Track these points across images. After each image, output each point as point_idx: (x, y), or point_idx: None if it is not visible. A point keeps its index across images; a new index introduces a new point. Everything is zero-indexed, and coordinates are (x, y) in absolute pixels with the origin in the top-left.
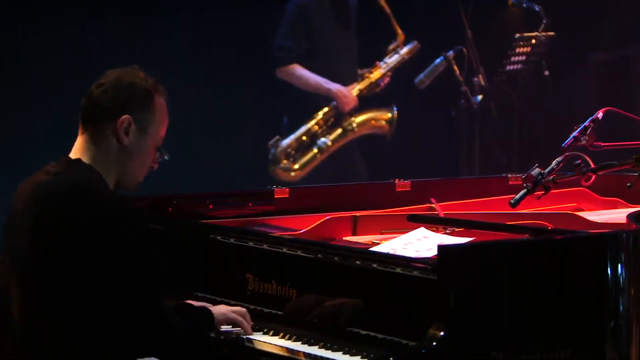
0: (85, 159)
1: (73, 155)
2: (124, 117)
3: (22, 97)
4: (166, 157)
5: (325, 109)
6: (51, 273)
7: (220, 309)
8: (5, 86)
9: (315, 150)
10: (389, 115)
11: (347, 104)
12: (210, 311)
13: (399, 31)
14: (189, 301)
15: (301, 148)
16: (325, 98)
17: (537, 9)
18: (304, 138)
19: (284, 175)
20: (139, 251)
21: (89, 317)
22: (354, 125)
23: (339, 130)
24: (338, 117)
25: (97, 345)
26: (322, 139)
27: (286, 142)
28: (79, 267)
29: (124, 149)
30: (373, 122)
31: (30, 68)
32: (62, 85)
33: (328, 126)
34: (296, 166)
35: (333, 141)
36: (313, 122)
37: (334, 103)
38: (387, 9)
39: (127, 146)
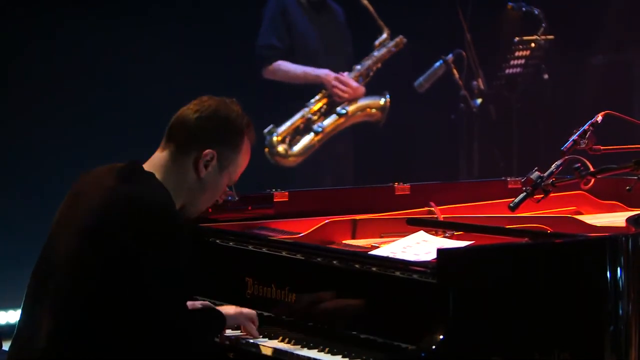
0: (159, 176)
1: (148, 167)
2: (209, 150)
3: (21, 97)
4: (235, 198)
5: (318, 96)
6: (97, 273)
7: (232, 313)
8: (5, 86)
9: (313, 135)
10: (381, 102)
11: (336, 86)
12: (221, 314)
13: (384, 27)
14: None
15: (297, 134)
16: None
17: (536, 12)
18: (300, 124)
19: (282, 161)
20: (184, 272)
21: (118, 326)
22: (348, 110)
23: (334, 116)
24: (332, 104)
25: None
26: (318, 123)
27: (281, 129)
28: (123, 276)
29: (199, 181)
30: (366, 109)
31: (30, 68)
32: (61, 85)
33: (322, 113)
34: (294, 151)
35: (329, 125)
36: (307, 109)
37: (324, 90)
38: (370, 7)
39: (202, 179)
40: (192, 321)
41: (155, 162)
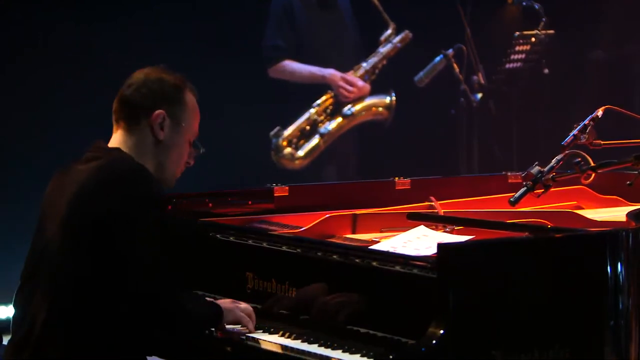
0: (124, 150)
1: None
2: (158, 111)
3: (21, 98)
4: (202, 151)
5: (324, 97)
6: (85, 248)
7: (229, 306)
8: (4, 86)
9: (318, 137)
10: (387, 101)
11: (342, 86)
12: (219, 306)
13: (390, 21)
14: None
15: (303, 136)
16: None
17: (536, 7)
18: (306, 126)
19: (289, 164)
20: (161, 236)
21: (110, 300)
22: (353, 111)
23: (339, 117)
24: (337, 105)
25: (114, 329)
26: (324, 126)
27: (288, 131)
28: (108, 243)
29: (160, 144)
30: (372, 108)
31: (30, 69)
32: (61, 86)
33: (328, 114)
34: (300, 154)
35: (335, 128)
36: (313, 110)
37: (330, 90)
38: (376, 1)
39: (163, 141)
40: (178, 299)
41: (116, 142)
